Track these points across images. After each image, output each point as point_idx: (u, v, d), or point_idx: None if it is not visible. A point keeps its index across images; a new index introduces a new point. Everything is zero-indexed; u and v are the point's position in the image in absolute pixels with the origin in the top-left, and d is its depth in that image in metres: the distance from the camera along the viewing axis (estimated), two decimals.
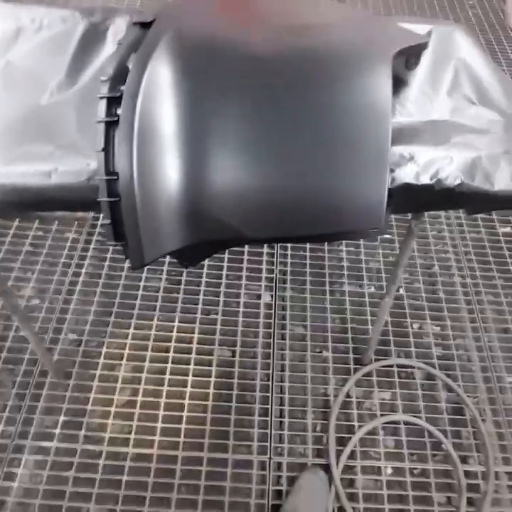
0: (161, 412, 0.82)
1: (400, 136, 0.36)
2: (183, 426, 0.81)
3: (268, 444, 0.80)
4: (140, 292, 0.96)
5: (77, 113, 0.33)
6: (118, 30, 0.39)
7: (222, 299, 0.97)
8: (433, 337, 0.95)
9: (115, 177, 0.25)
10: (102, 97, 0.25)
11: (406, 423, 0.84)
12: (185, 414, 0.82)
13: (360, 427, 0.82)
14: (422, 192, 0.34)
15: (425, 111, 0.40)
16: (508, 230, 1.15)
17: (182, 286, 0.98)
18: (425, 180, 0.34)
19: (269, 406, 0.84)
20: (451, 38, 0.44)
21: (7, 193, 0.31)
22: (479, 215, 1.16)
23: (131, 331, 0.90)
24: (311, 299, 0.98)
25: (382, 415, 0.84)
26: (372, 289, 1.02)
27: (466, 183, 0.34)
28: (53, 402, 0.81)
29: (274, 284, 1.00)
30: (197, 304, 0.95)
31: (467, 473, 0.79)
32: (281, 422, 0.83)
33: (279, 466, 0.79)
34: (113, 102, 0.26)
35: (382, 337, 0.93)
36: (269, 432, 0.81)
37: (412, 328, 0.96)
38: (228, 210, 0.19)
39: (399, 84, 0.40)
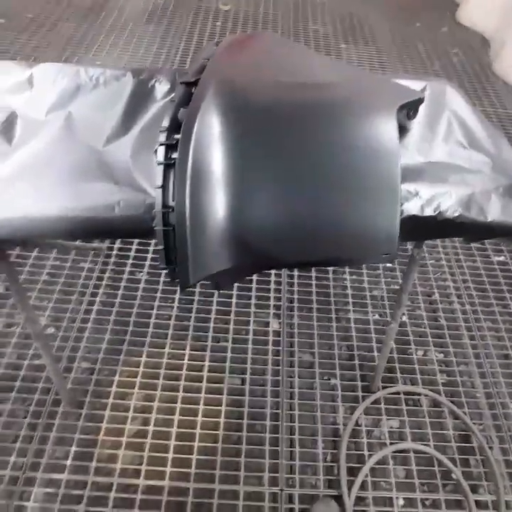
0: (172, 442, 0.82)
1: (406, 175, 0.42)
2: (194, 456, 0.81)
3: (279, 475, 0.80)
4: (152, 320, 0.98)
5: (132, 156, 0.39)
6: (163, 86, 0.46)
7: (231, 326, 0.99)
8: (437, 364, 0.98)
9: (170, 209, 0.30)
10: (161, 144, 0.31)
11: (415, 452, 0.85)
12: (196, 444, 0.82)
13: (370, 455, 0.83)
14: (426, 222, 0.41)
15: (425, 154, 0.46)
16: (502, 258, 1.20)
17: (193, 315, 1.00)
18: (429, 212, 0.40)
19: (279, 435, 0.85)
20: (443, 93, 0.52)
21: (79, 224, 0.36)
22: (473, 245, 1.22)
23: (144, 358, 0.92)
24: (318, 326, 1.01)
25: (391, 443, 0.85)
26: (377, 316, 1.05)
27: (464, 215, 0.41)
28: (65, 432, 0.81)
29: (281, 312, 1.03)
30: (207, 332, 0.98)
31: (478, 503, 0.79)
32: (291, 451, 0.83)
33: (290, 497, 0.78)
34: (169, 148, 0.31)
35: (388, 364, 0.95)
36: (279, 462, 0.81)
37: (417, 355, 0.99)
38: (264, 238, 0.24)
39: (402, 131, 0.47)
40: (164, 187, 0.30)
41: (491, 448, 0.85)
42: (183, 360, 0.93)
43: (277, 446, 0.83)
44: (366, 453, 0.83)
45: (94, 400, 0.86)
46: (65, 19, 1.85)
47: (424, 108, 0.50)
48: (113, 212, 0.36)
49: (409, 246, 0.94)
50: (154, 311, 1.00)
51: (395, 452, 0.84)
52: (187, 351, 0.94)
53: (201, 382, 0.90)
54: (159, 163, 0.31)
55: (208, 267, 0.30)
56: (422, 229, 0.43)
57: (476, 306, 1.08)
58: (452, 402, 0.91)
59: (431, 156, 0.47)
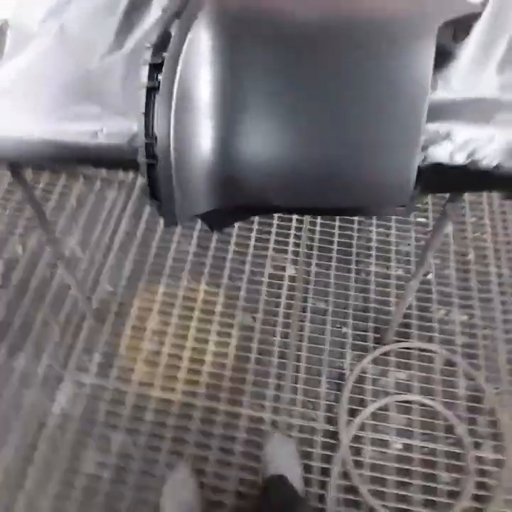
0: (184, 365, 0.88)
1: (439, 112, 0.35)
2: (204, 380, 0.86)
3: (280, 405, 0.84)
4: (171, 254, 1.01)
5: (123, 77, 0.35)
6: None
7: (248, 267, 0.99)
8: (459, 325, 0.93)
9: (154, 140, 0.26)
10: (144, 63, 0.27)
11: (420, 404, 0.84)
12: (205, 368, 0.87)
13: (372, 401, 0.84)
14: (456, 172, 0.33)
15: (471, 86, 0.38)
16: None
17: (210, 252, 1.01)
18: (460, 160, 0.33)
19: (285, 372, 0.87)
20: (510, 8, 0.40)
21: (57, 149, 0.34)
22: None
23: (162, 288, 0.96)
24: (336, 275, 0.99)
25: (396, 394, 0.85)
26: (400, 272, 1.00)
27: (503, 165, 0.33)
28: (90, 343, 0.90)
29: (299, 258, 1.01)
30: (223, 270, 0.99)
31: (480, 459, 0.79)
32: (295, 387, 0.86)
33: (289, 427, 0.82)
34: (155, 68, 0.27)
35: (406, 320, 0.92)
36: (282, 394, 0.85)
37: (438, 314, 0.94)
38: (259, 177, 0.20)
39: (445, 57, 0.38)
40: (148, 115, 0.26)
41: (502, 411, 0.82)
42: (198, 292, 0.96)
43: (282, 381, 0.86)
44: (369, 399, 0.84)
45: (115, 319, 0.92)
46: None
47: (481, 26, 0.39)
48: (95, 140, 0.33)
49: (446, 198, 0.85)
50: (173, 246, 1.02)
51: (399, 402, 0.84)
52: (202, 286, 0.97)
53: (214, 315, 0.93)
54: (142, 86, 0.27)
55: (194, 206, 0.27)
56: (450, 180, 0.35)
57: None
58: (469, 364, 0.87)
59: (477, 89, 0.37)
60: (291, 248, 1.03)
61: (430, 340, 0.91)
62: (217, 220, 0.36)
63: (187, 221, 0.29)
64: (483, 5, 0.40)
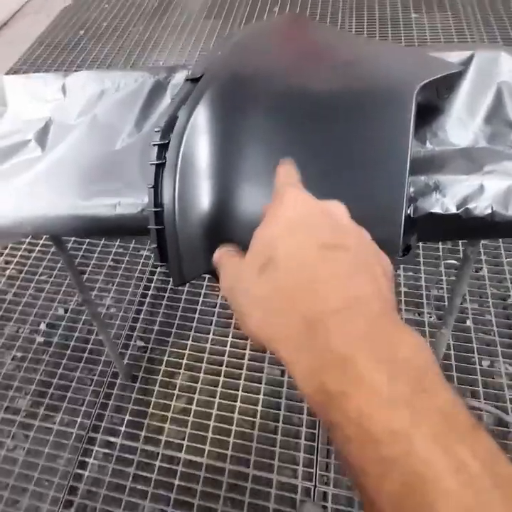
0: (212, 423, 0.86)
1: (427, 165, 0.36)
2: (232, 439, 0.84)
3: (313, 470, 0.79)
4: (199, 307, 1.04)
5: (140, 156, 0.40)
6: (177, 84, 0.46)
7: None
8: (506, 377, 0.85)
9: (161, 209, 0.29)
10: (154, 144, 0.31)
11: None
12: (233, 427, 0.85)
13: None
14: (450, 221, 0.34)
15: (459, 138, 0.39)
16: None
17: None
18: (452, 209, 0.33)
19: (316, 431, 0.83)
20: (494, 62, 0.41)
21: (82, 222, 0.39)
22: None
23: (190, 342, 0.98)
24: None
25: None
26: (434, 319, 0.95)
27: (499, 213, 0.33)
28: (122, 401, 0.92)
29: None
30: None
31: None
32: (328, 449, 0.81)
33: (324, 495, 0.77)
34: (163, 147, 0.31)
35: (446, 372, 0.86)
36: (314, 458, 0.80)
37: (481, 365, 0.87)
38: (248, 237, 0.22)
39: (433, 113, 0.40)
40: (156, 187, 0.30)
41: None
42: (226, 346, 0.96)
43: (314, 442, 0.82)
44: None
45: (146, 376, 0.95)
46: (133, 24, 2.00)
47: (468, 82, 0.40)
48: (113, 211, 0.37)
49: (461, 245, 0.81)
50: (201, 299, 1.05)
51: None
52: (230, 338, 0.98)
53: (242, 369, 0.93)
54: (151, 163, 0.30)
55: (200, 264, 0.29)
56: (447, 228, 0.36)
57: None
58: None
59: (465, 140, 0.38)
60: None
61: (475, 395, 0.83)
62: None
63: (193, 279, 0.31)
64: (464, 63, 0.41)
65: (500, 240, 1.04)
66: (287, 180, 0.22)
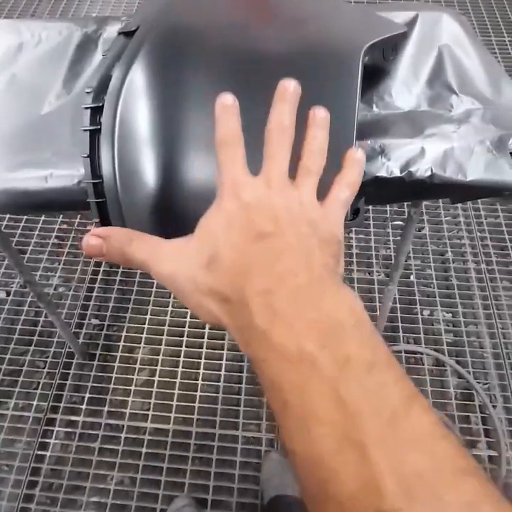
0: (177, 391, 0.88)
1: (373, 129, 0.36)
2: (197, 404, 0.86)
3: (276, 423, 0.84)
4: (155, 281, 1.01)
5: (71, 122, 0.36)
6: (109, 38, 0.41)
7: None
8: (444, 324, 0.95)
9: (100, 180, 0.27)
10: (86, 107, 0.27)
11: None
12: (198, 393, 0.88)
13: None
14: (394, 184, 0.35)
15: (403, 102, 0.39)
16: None
17: None
18: (396, 172, 0.34)
19: None
20: (437, 25, 0.42)
21: (11, 197, 0.35)
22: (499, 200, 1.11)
23: (148, 316, 0.97)
24: None
25: None
26: (382, 276, 1.02)
27: (438, 175, 0.34)
28: (80, 381, 0.89)
29: None
30: None
31: (475, 457, 0.80)
32: None
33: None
34: (96, 111, 0.28)
35: (391, 323, 0.93)
36: None
37: (422, 315, 0.96)
38: (199, 209, 0.21)
39: (379, 75, 0.40)
40: (92, 156, 0.27)
41: (494, 407, 0.84)
42: (186, 317, 0.96)
43: None
44: None
45: (104, 353, 0.92)
46: None
47: (412, 45, 0.40)
48: (44, 184, 0.34)
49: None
50: None
51: None
52: (189, 309, 0.97)
53: (203, 338, 0.94)
54: (84, 130, 0.27)
55: None
56: (390, 191, 0.37)
57: (492, 266, 1.02)
58: (457, 362, 0.89)
59: (408, 104, 0.39)
60: None
61: (417, 341, 0.92)
62: None
63: None
64: (408, 25, 0.42)
65: (440, 200, 1.11)
66: (232, 167, 0.21)
